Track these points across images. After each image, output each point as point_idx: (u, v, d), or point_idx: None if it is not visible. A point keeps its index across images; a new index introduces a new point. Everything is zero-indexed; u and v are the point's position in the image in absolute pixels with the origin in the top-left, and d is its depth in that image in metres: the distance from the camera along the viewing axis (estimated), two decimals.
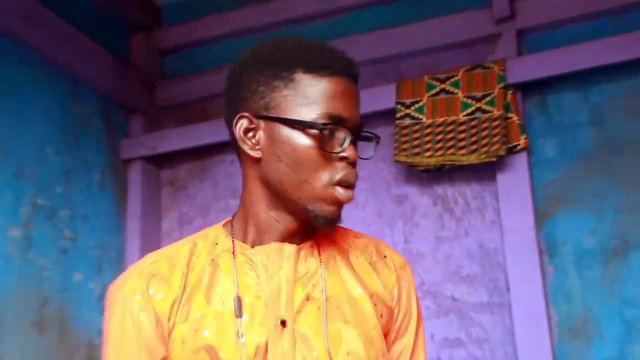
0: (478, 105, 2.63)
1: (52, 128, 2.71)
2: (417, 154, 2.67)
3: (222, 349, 1.30)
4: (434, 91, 2.70)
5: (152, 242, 3.09)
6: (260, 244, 1.34)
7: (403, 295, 1.47)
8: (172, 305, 1.32)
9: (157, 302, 1.33)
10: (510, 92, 2.62)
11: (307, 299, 1.34)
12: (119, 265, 2.97)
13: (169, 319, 1.32)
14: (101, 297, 2.80)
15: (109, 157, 3.03)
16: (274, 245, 1.33)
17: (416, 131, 2.68)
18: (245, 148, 1.29)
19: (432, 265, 2.73)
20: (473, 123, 2.62)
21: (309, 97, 1.27)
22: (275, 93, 1.27)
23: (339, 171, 1.29)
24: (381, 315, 1.41)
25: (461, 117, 2.64)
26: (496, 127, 2.59)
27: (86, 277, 2.78)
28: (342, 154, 1.28)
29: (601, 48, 2.60)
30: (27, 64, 2.60)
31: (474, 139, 2.62)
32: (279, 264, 1.33)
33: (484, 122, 2.62)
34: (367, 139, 1.36)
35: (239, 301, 1.30)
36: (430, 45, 2.90)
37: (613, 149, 2.62)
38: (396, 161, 2.72)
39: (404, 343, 1.48)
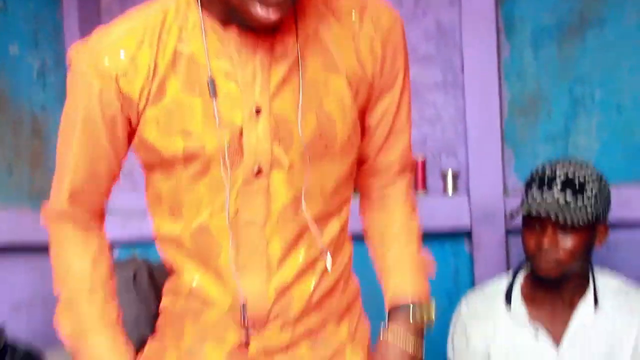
0: None
1: None
2: None
3: (196, 134, 1.38)
4: None
5: (90, 16, 3.08)
6: (233, 22, 1.35)
7: (387, 59, 1.48)
8: (141, 85, 1.38)
9: (120, 79, 1.39)
10: None
11: (284, 82, 1.39)
12: (56, 40, 3.02)
13: (138, 103, 1.39)
14: (41, 73, 2.95)
15: None
16: (242, 30, 1.35)
17: None
18: None
19: None
20: None
21: None
22: None
23: None
24: (357, 93, 1.46)
25: None
26: None
27: (22, 51, 2.86)
28: None
29: None
30: None
31: None
32: (254, 48, 1.36)
33: None
34: None
35: (212, 83, 1.35)
36: None
37: None
38: None
39: (388, 109, 1.53)
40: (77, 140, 1.45)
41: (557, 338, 2.22)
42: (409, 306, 1.53)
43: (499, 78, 2.76)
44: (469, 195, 2.78)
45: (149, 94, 1.38)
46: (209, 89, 1.36)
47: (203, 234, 1.44)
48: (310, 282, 1.46)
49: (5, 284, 2.69)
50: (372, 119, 1.52)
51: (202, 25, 1.38)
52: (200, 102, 1.37)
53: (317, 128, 1.40)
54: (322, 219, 1.46)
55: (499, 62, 2.77)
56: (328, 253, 1.47)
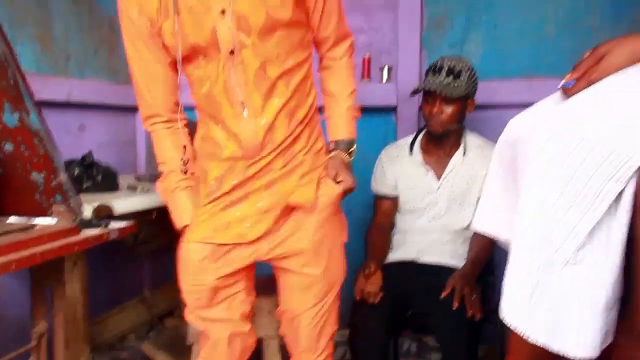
0: None
1: None
2: None
3: (191, 35, 1.40)
4: None
5: None
6: None
7: None
8: (157, 9, 1.41)
9: (145, 7, 1.42)
10: None
11: None
12: None
13: (158, 17, 1.42)
14: None
15: None
16: None
17: None
18: None
19: None
20: None
21: None
22: None
23: None
24: None
25: None
26: None
27: None
28: None
29: None
30: None
31: None
32: None
33: None
34: None
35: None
36: None
37: None
38: None
39: (317, 2, 1.51)
40: (133, 60, 1.50)
41: (439, 175, 2.28)
42: (344, 141, 1.64)
43: (421, 2, 2.75)
44: (397, 83, 2.79)
45: (161, 13, 1.42)
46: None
47: (209, 97, 1.48)
48: (286, 119, 1.49)
49: (92, 130, 2.74)
50: (309, 5, 1.51)
51: None
52: (190, 16, 1.40)
53: (265, 17, 1.40)
54: (285, 75, 1.47)
55: None
56: (288, 99, 1.48)
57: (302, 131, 1.54)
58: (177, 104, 1.57)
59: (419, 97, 2.56)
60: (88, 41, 2.73)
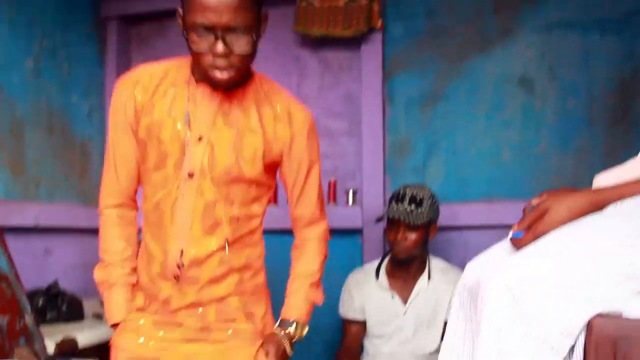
0: None
1: None
2: (310, 27, 2.84)
3: (164, 142, 1.44)
4: None
5: (123, 74, 3.09)
6: (204, 80, 1.43)
7: (295, 146, 1.52)
8: (144, 104, 1.46)
9: (136, 99, 1.47)
10: None
11: (223, 125, 1.44)
12: (101, 92, 3.07)
13: (141, 111, 1.47)
14: (90, 114, 2.97)
15: (93, 15, 3.05)
16: (209, 87, 1.44)
17: (310, 11, 2.83)
18: (180, 30, 1.39)
19: (315, 105, 2.87)
20: (348, 9, 2.79)
21: (191, 8, 1.31)
22: (182, 1, 1.35)
23: (213, 61, 1.34)
24: (269, 152, 1.48)
25: (340, 3, 2.80)
26: (363, 12, 2.77)
27: (79, 100, 2.92)
28: (212, 50, 1.32)
29: None
30: None
31: (348, 19, 2.79)
32: (209, 99, 1.45)
33: (356, 8, 2.78)
34: (239, 35, 1.33)
35: (187, 114, 1.44)
36: None
37: (437, 33, 2.86)
38: (295, 30, 2.87)
39: (296, 182, 1.57)
40: (115, 141, 1.52)
41: (405, 299, 2.29)
42: (292, 322, 1.58)
43: (383, 129, 2.86)
44: (362, 206, 2.84)
45: (144, 109, 1.46)
46: (184, 117, 1.43)
47: (157, 206, 1.47)
48: (216, 262, 1.47)
49: (58, 253, 2.72)
50: (288, 180, 1.56)
51: (187, 80, 1.46)
52: (171, 122, 1.44)
53: (234, 164, 1.45)
54: (233, 221, 1.48)
55: (383, 119, 2.87)
56: (226, 244, 1.47)
57: (238, 284, 1.51)
58: (134, 199, 1.58)
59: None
60: (59, 166, 2.78)
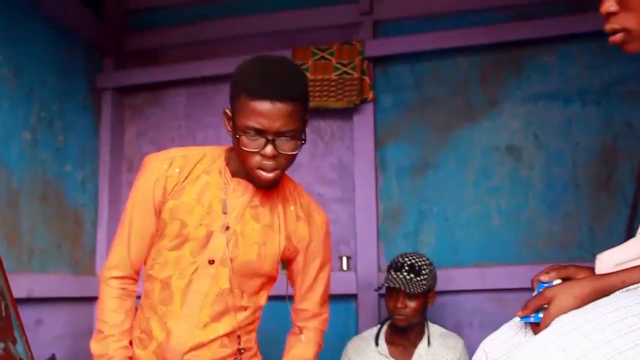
0: (345, 69, 2.89)
1: (52, 65, 2.82)
2: None
3: (190, 225, 1.48)
4: (316, 57, 2.94)
5: (117, 145, 3.18)
6: (239, 176, 1.51)
7: (312, 245, 1.60)
8: (174, 186, 1.51)
9: (168, 179, 1.51)
10: (366, 62, 2.90)
11: (250, 219, 1.51)
12: (95, 161, 3.11)
13: (170, 192, 1.51)
14: (84, 182, 2.99)
15: (89, 86, 3.11)
16: (242, 181, 1.51)
17: None
18: (227, 128, 1.46)
19: (308, 173, 2.96)
20: (340, 81, 2.89)
21: (243, 112, 1.38)
22: (233, 104, 1.42)
23: (260, 161, 1.40)
24: (286, 250, 1.56)
25: (333, 76, 2.90)
26: (355, 84, 2.86)
27: (73, 169, 2.94)
28: (261, 152, 1.39)
29: (420, 40, 2.92)
30: (35, 20, 2.70)
31: (340, 91, 2.86)
32: (241, 192, 1.52)
33: (347, 80, 2.88)
34: (288, 140, 1.39)
35: (224, 203, 1.49)
36: (316, 26, 3.08)
37: (425, 104, 2.96)
38: None
39: (307, 278, 1.64)
40: (134, 214, 1.54)
41: None
42: None
43: (376, 196, 2.90)
44: (356, 272, 2.85)
45: (174, 192, 1.50)
46: (220, 206, 1.49)
47: (166, 285, 1.51)
48: (217, 346, 1.52)
49: (49, 323, 2.69)
50: (299, 275, 1.63)
51: (221, 170, 1.52)
52: (199, 208, 1.49)
53: (256, 257, 1.52)
54: (240, 309, 1.54)
55: (376, 186, 2.91)
56: (232, 331, 1.52)
57: None
58: (139, 273, 1.58)
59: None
60: (53, 235, 2.77)
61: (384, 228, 2.93)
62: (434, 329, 2.36)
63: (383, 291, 2.35)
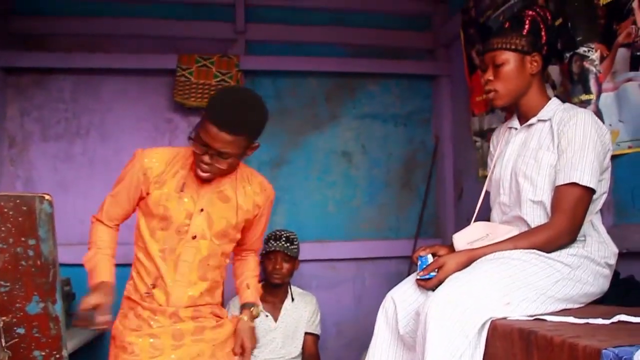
0: (223, 77, 3.22)
1: None
2: (187, 98, 3.19)
3: (171, 210, 1.74)
4: (199, 64, 3.22)
5: None
6: None
7: (263, 209, 1.92)
8: (156, 175, 1.76)
9: (152, 171, 1.76)
10: (240, 73, 3.27)
11: (217, 201, 1.78)
12: None
13: (152, 181, 1.77)
14: None
15: None
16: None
17: (187, 85, 3.19)
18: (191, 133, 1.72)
19: None
20: (219, 86, 3.17)
21: (202, 125, 1.64)
22: (202, 116, 1.67)
23: (199, 163, 1.68)
24: (244, 219, 1.84)
25: (213, 82, 3.20)
26: None
27: None
28: (202, 156, 1.66)
29: (281, 61, 3.36)
30: None
31: None
32: (208, 183, 1.78)
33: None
34: (223, 157, 1.65)
35: (197, 190, 1.76)
36: (198, 37, 3.37)
37: (283, 112, 3.42)
38: (175, 100, 3.20)
39: (256, 230, 1.96)
40: (118, 190, 1.83)
41: (275, 318, 2.76)
42: (251, 305, 1.96)
43: None
44: None
45: (157, 183, 1.76)
46: (196, 193, 1.75)
47: (163, 258, 1.78)
48: (205, 295, 1.85)
49: None
50: (251, 228, 1.95)
51: (191, 166, 1.77)
52: (177, 196, 1.77)
53: (224, 227, 1.83)
54: (215, 269, 1.85)
55: None
56: (211, 283, 1.84)
57: (209, 302, 1.88)
58: (116, 224, 1.88)
59: None
60: None
61: None
62: (294, 289, 2.88)
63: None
